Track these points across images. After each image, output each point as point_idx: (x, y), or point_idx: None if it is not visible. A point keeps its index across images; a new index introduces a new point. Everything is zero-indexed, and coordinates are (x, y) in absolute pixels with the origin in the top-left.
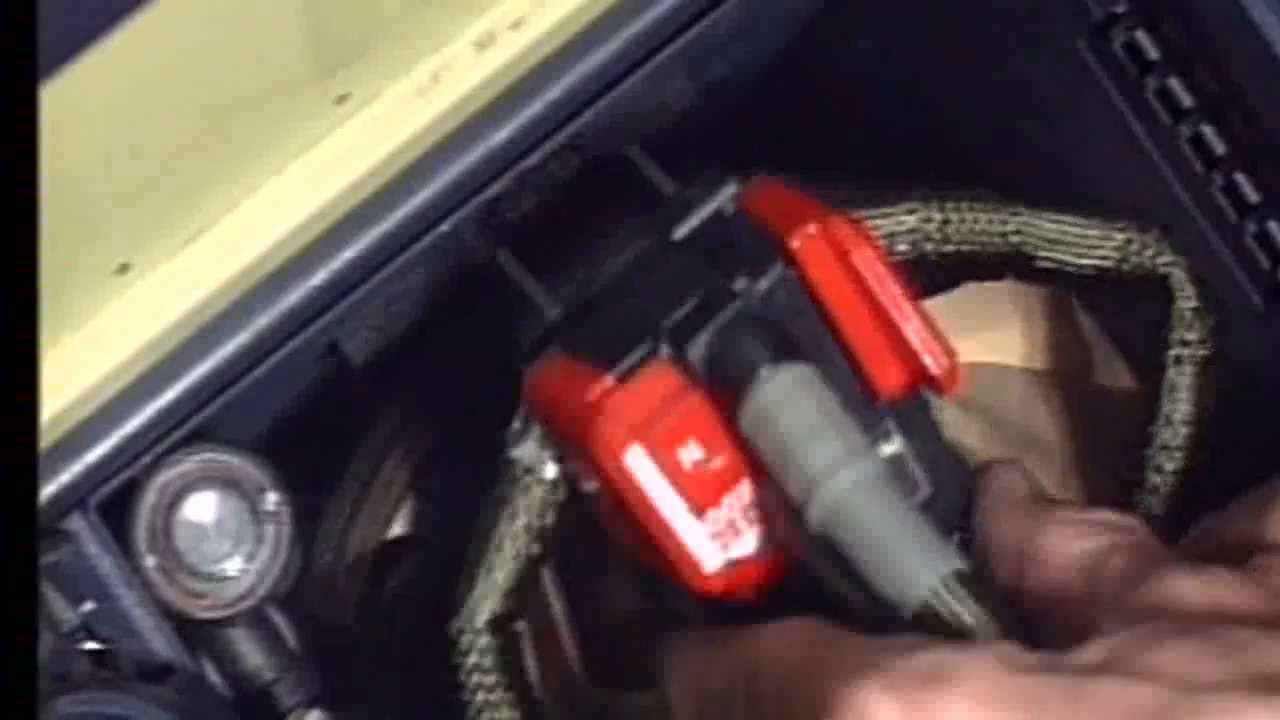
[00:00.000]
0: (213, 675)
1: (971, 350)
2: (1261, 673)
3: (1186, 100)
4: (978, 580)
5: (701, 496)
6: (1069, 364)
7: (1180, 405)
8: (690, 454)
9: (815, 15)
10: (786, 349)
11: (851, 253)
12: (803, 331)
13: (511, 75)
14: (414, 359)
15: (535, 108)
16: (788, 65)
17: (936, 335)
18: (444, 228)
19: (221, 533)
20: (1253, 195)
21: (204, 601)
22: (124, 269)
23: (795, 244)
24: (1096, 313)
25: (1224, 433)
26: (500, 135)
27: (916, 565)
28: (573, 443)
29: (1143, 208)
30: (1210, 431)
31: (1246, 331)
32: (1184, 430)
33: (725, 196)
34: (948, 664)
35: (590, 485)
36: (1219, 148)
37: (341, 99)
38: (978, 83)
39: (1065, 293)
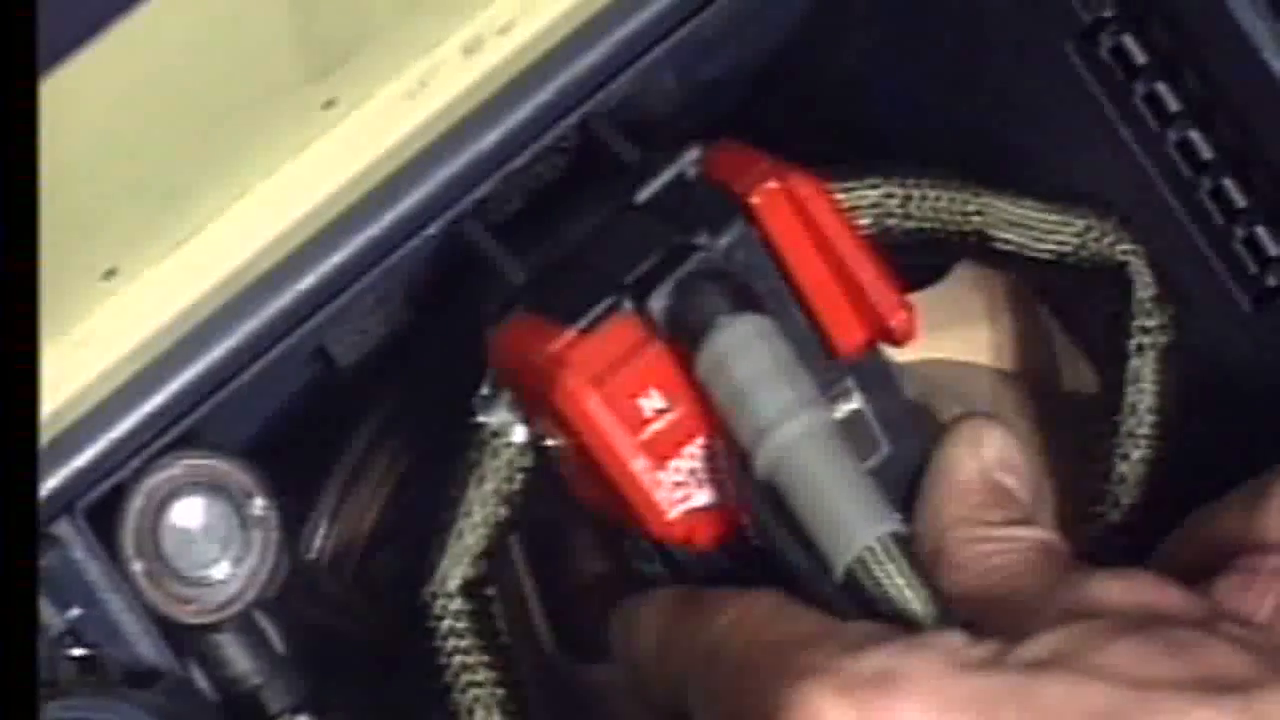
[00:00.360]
0: (200, 680)
1: (940, 348)
2: (1208, 673)
3: (1174, 105)
4: (913, 544)
5: (662, 446)
6: (1037, 363)
7: (1145, 394)
8: (652, 404)
9: (803, 18)
10: (746, 302)
11: (811, 209)
12: (763, 287)
13: (499, 79)
14: (400, 361)
15: (523, 111)
16: (776, 67)
17: (894, 289)
18: (431, 230)
19: (209, 537)
20: (1240, 200)
21: (191, 606)
22: (111, 274)
23: (755, 200)
24: (1060, 312)
25: (1210, 433)
26: (488, 139)
27: (854, 522)
28: (537, 397)
29: (1130, 211)
30: (1177, 420)
31: (1234, 335)
32: (1149, 419)
33: (688, 160)
34: (899, 665)
35: (555, 440)
36: (1206, 153)
37: (329, 103)
38: (965, 86)
39: (1031, 293)
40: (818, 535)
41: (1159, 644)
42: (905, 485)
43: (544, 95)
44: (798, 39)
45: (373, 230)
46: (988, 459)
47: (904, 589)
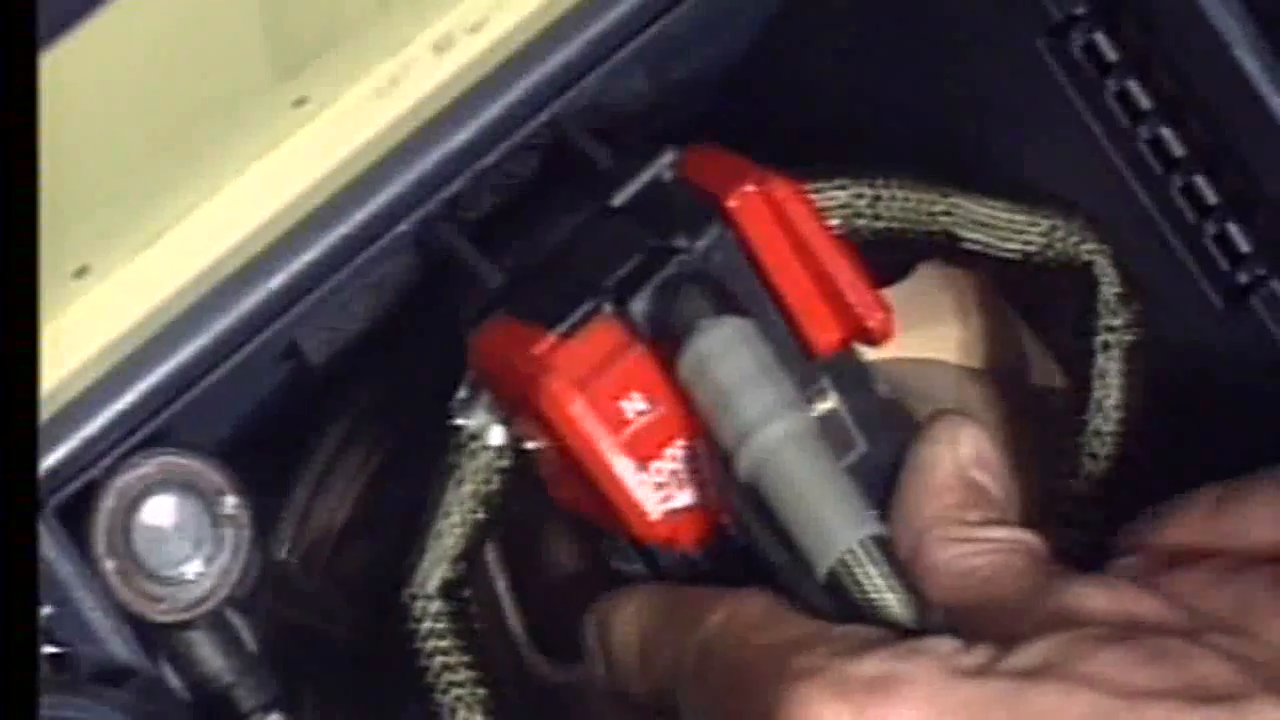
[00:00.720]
0: (172, 679)
1: (909, 346)
2: (1195, 682)
3: (1145, 102)
4: (891, 550)
5: (645, 447)
6: (1005, 361)
7: (1111, 391)
8: (634, 406)
9: (773, 16)
10: (726, 304)
11: (788, 211)
12: (741, 289)
13: (470, 78)
14: (372, 358)
15: (494, 110)
16: (746, 67)
17: (870, 289)
18: (402, 228)
19: (181, 536)
20: (1211, 197)
21: (163, 605)
22: (82, 272)
23: (732, 204)
24: (1028, 311)
25: (1182, 431)
26: (459, 137)
27: (836, 525)
28: (519, 401)
29: (1101, 209)
30: (1148, 418)
31: (1206, 332)
32: (1115, 415)
33: (664, 163)
34: (895, 670)
35: (537, 443)
36: (1178, 150)
37: (300, 102)
38: (937, 84)
39: (999, 293)
40: (800, 536)
41: (1146, 653)
42: (881, 483)
43: (515, 93)
44: (768, 38)
45: (344, 228)
46: (964, 457)
47: (885, 592)
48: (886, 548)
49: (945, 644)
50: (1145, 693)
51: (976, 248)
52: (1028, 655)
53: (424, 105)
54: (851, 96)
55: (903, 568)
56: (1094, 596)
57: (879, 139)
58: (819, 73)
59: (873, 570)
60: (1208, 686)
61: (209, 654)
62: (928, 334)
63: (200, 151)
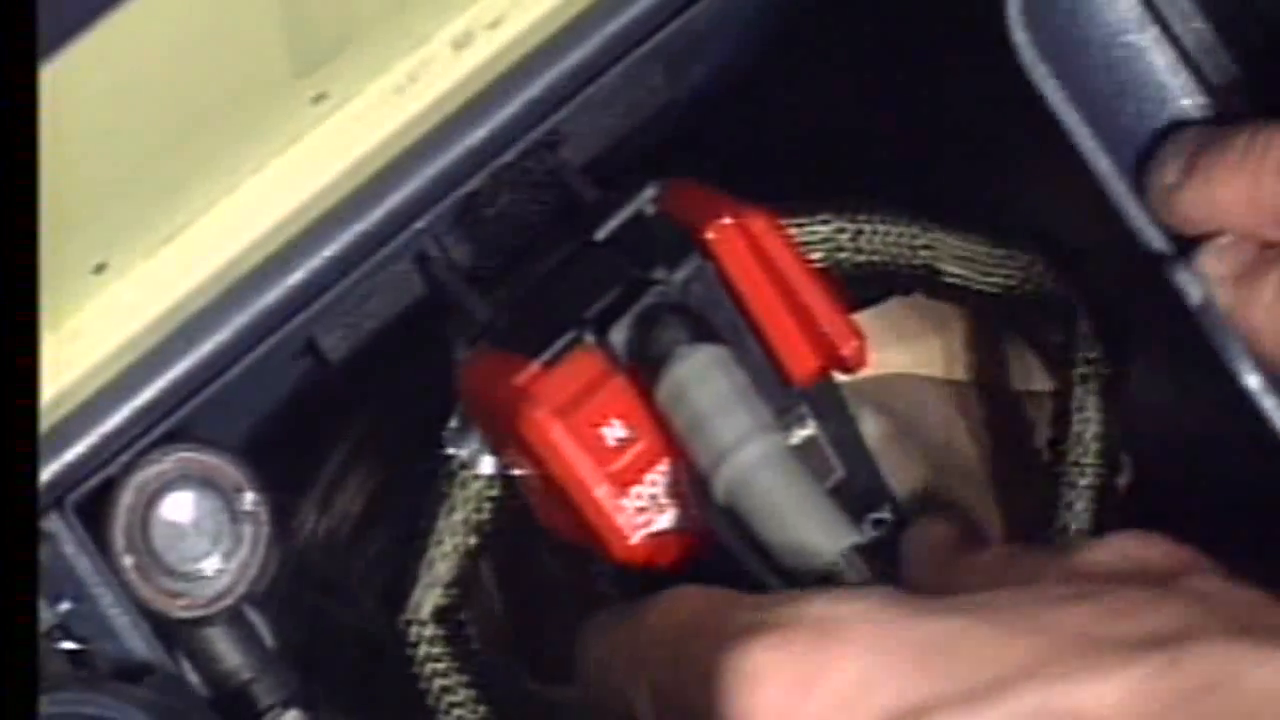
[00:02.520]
0: (191, 675)
1: (894, 362)
2: (1148, 630)
3: None
4: (876, 554)
5: (625, 473)
6: (990, 376)
7: (1090, 423)
8: (614, 433)
9: (762, 46)
10: (703, 334)
11: (764, 244)
12: (719, 319)
13: (489, 74)
14: (390, 355)
15: (513, 106)
16: (764, 67)
17: (845, 319)
18: (420, 225)
19: (199, 532)
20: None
21: (182, 601)
22: (101, 268)
23: (710, 236)
24: (1016, 328)
25: (1165, 462)
26: (478, 134)
27: (816, 538)
28: (504, 428)
29: (1081, 242)
30: (1126, 448)
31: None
32: (1094, 446)
33: (645, 199)
34: (834, 614)
35: (522, 469)
36: None
37: (319, 98)
38: (920, 117)
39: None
40: (781, 554)
41: (1094, 599)
42: (860, 509)
43: (534, 90)
44: (772, 48)
45: (362, 224)
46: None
47: None
48: (870, 556)
49: (888, 589)
50: (1092, 636)
51: (957, 281)
52: (972, 600)
53: (443, 102)
54: (834, 129)
55: (888, 575)
56: (1048, 564)
57: (861, 171)
58: (804, 107)
59: (856, 579)
60: (1156, 632)
61: (227, 650)
62: (912, 349)
63: (219, 148)
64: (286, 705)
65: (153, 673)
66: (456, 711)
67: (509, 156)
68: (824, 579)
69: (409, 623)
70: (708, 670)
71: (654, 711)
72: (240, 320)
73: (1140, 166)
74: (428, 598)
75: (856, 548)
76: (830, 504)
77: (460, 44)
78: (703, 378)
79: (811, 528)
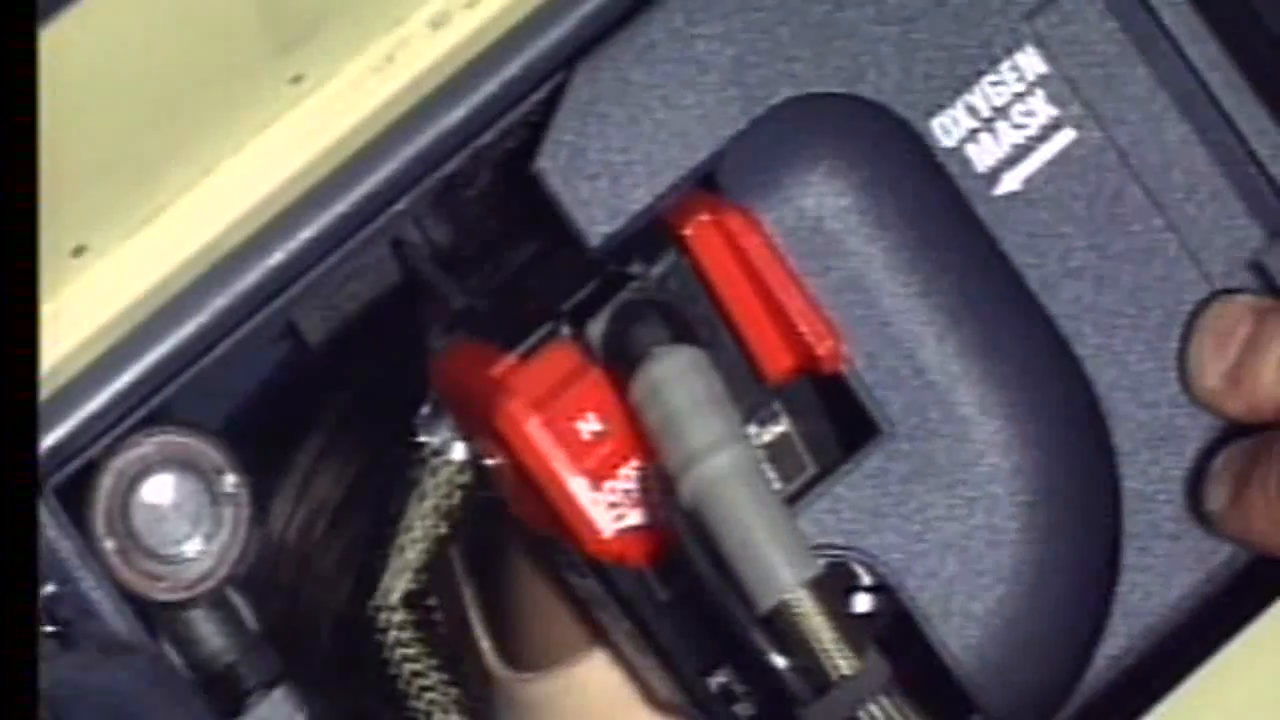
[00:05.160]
0: (174, 657)
1: None
2: None
3: None
4: (832, 590)
5: (599, 467)
6: None
7: None
8: (589, 427)
9: None
10: (679, 331)
11: (742, 241)
12: (695, 315)
13: (467, 53)
14: (370, 339)
15: (491, 86)
16: None
17: (821, 318)
18: (400, 206)
19: (180, 515)
20: None
21: (164, 584)
22: (80, 251)
23: (688, 232)
24: None
25: None
26: (456, 114)
27: (777, 564)
28: (478, 420)
29: None
30: None
31: None
32: None
33: None
34: None
35: (495, 460)
36: None
37: (296, 79)
38: None
39: None
40: (740, 569)
41: None
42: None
43: (512, 69)
44: None
45: (341, 206)
46: None
47: (824, 637)
48: (829, 591)
49: None
50: None
51: None
52: None
53: (421, 82)
54: None
55: (843, 612)
56: None
57: None
58: None
59: (814, 615)
60: None
61: (210, 632)
62: None
63: (196, 129)
64: (271, 685)
65: (136, 655)
66: (428, 695)
67: (488, 137)
68: (783, 606)
69: (379, 608)
70: None
71: None
72: (220, 302)
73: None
74: (397, 584)
75: (817, 580)
76: (794, 529)
77: (438, 23)
78: (677, 379)
79: (775, 552)
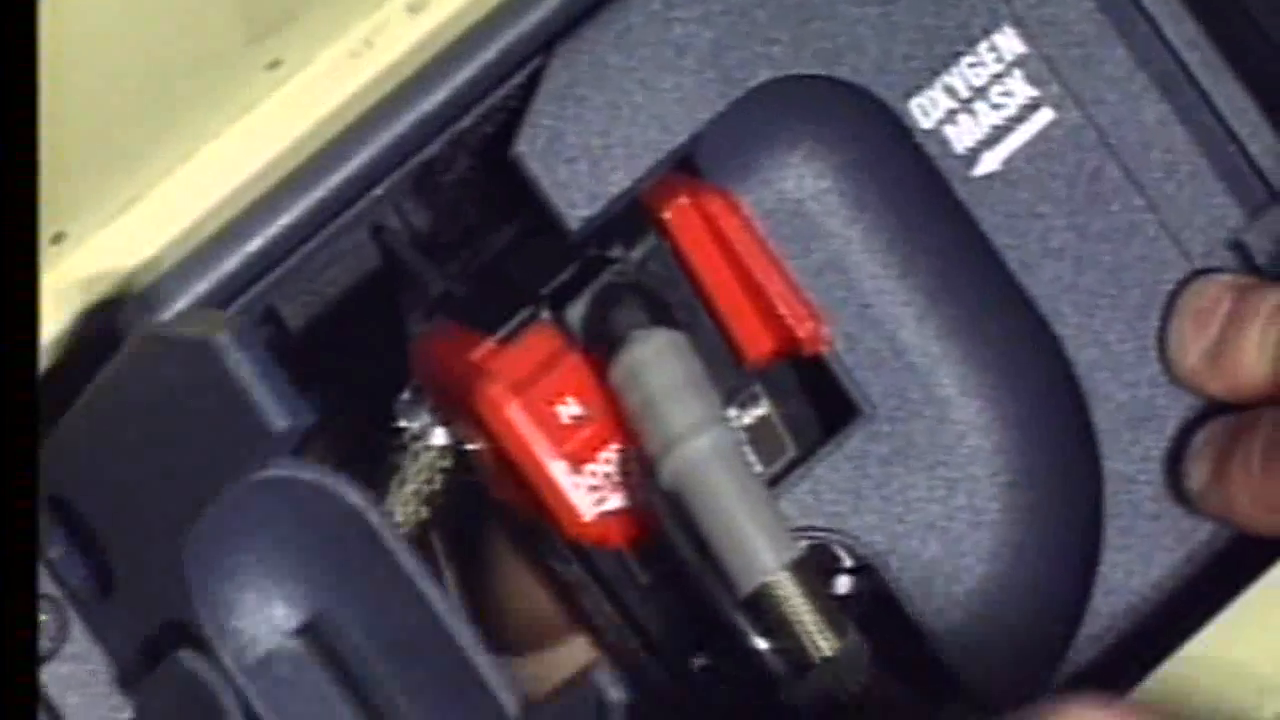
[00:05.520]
0: None
1: None
2: None
3: None
4: (813, 572)
5: (579, 451)
6: None
7: None
8: (569, 410)
9: None
10: (660, 314)
11: (721, 224)
12: (675, 298)
13: (445, 38)
14: (351, 324)
15: (469, 70)
16: None
17: (801, 301)
18: (378, 192)
19: None
20: None
21: None
22: (59, 238)
23: (667, 215)
24: None
25: None
26: (435, 98)
27: (759, 548)
28: (459, 404)
29: None
30: None
31: None
32: None
33: None
34: None
35: (476, 444)
36: None
37: (274, 65)
38: None
39: None
40: (720, 552)
41: None
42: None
43: (490, 53)
44: None
45: (320, 191)
46: None
47: (805, 619)
48: (808, 573)
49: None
50: None
51: None
52: None
53: (399, 67)
54: None
55: (824, 593)
56: None
57: None
58: None
59: (795, 597)
60: None
61: None
62: None
63: (174, 116)
64: None
65: None
66: None
67: (467, 121)
68: (764, 589)
69: None
70: None
71: None
72: (200, 288)
73: None
74: None
75: (797, 563)
76: (774, 511)
77: (415, 8)
78: (657, 362)
79: (755, 536)
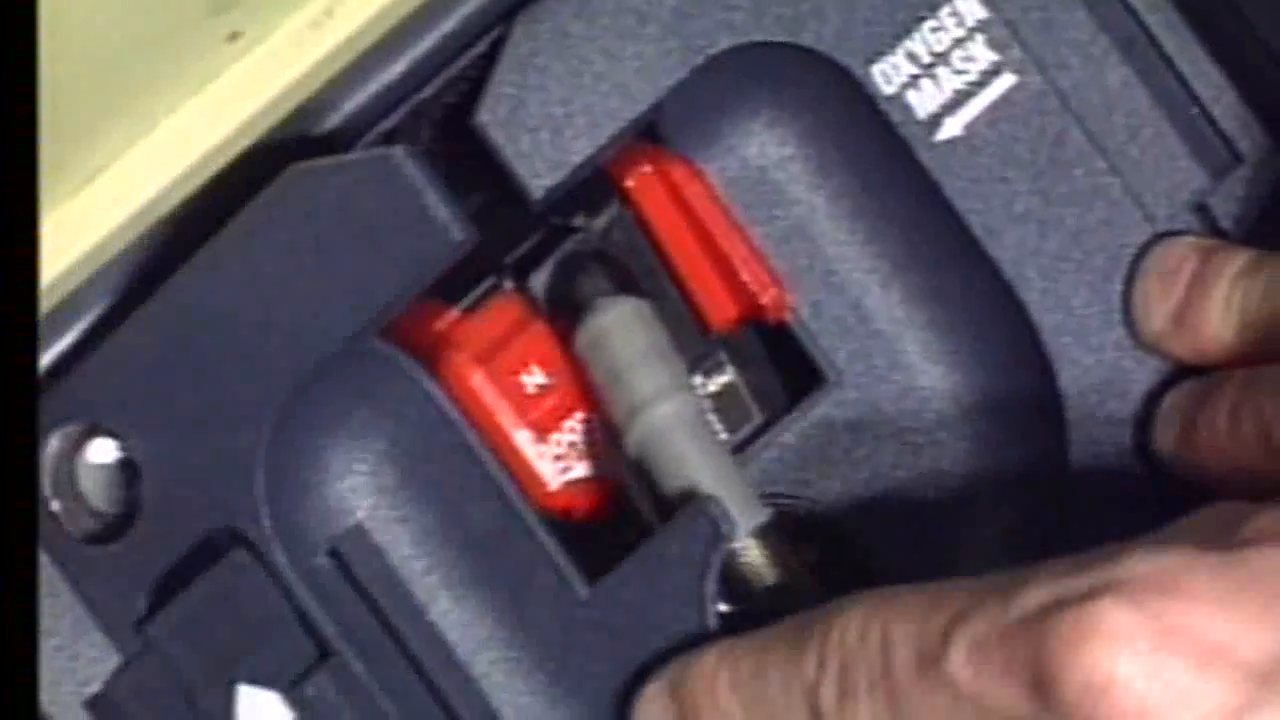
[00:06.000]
0: None
1: None
2: None
3: None
4: (780, 537)
5: (544, 420)
6: None
7: None
8: (534, 380)
9: None
10: (623, 282)
11: (684, 192)
12: (639, 266)
13: (405, 7)
14: None
15: (430, 40)
16: None
17: (765, 268)
18: None
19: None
20: None
21: None
22: None
23: (630, 184)
24: None
25: None
26: (395, 69)
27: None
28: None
29: None
30: None
31: None
32: None
33: None
34: (1166, 569)
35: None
36: None
37: (234, 36)
38: None
39: None
40: None
41: None
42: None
43: (451, 23)
44: None
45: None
46: None
47: (776, 578)
48: (777, 535)
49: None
50: None
51: None
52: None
53: (359, 37)
54: None
55: (792, 555)
56: None
57: None
58: None
59: (761, 562)
60: None
61: None
62: None
63: (134, 89)
64: None
65: None
66: None
67: (428, 92)
68: (731, 555)
69: None
70: (1039, 654)
71: None
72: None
73: None
74: None
75: (764, 527)
76: (740, 476)
77: None
78: (622, 330)
79: (722, 500)
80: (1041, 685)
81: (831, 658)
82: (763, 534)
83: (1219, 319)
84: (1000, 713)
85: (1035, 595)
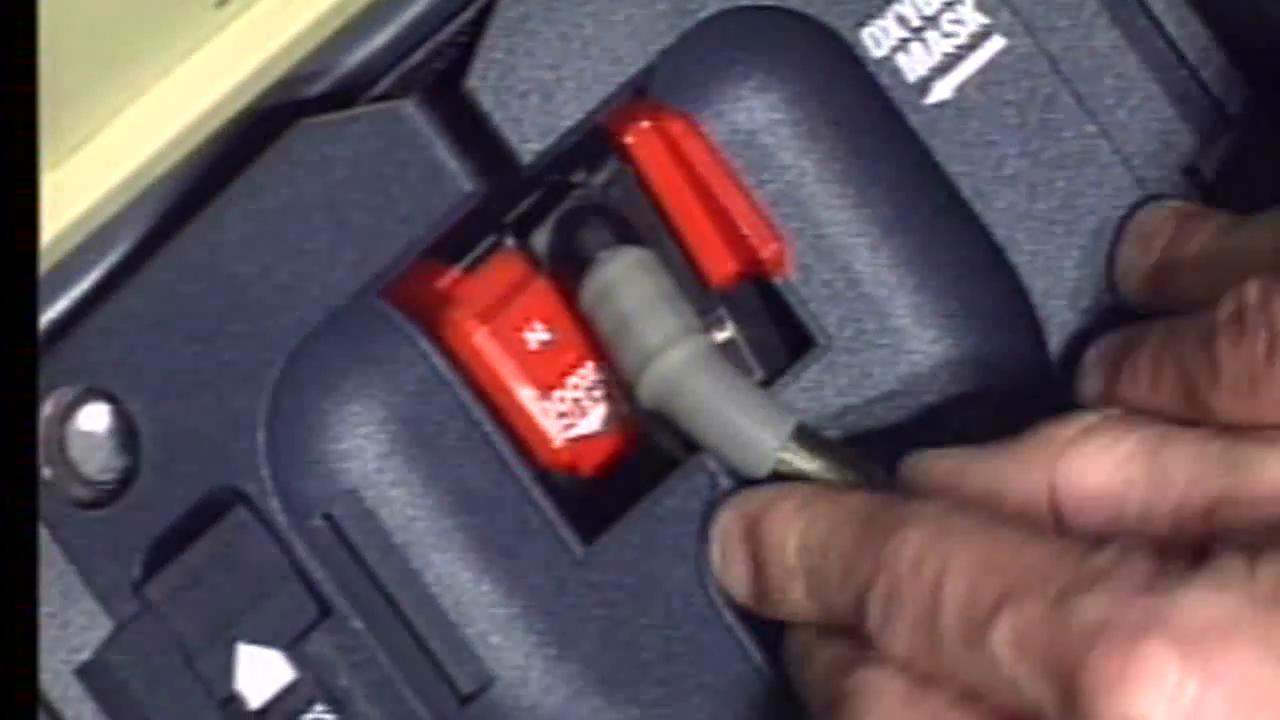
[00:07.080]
0: None
1: None
2: None
3: None
4: (816, 433)
5: (548, 376)
6: None
7: None
8: (537, 336)
9: None
10: (625, 236)
11: (683, 146)
12: (639, 222)
13: None
14: None
15: (419, 5)
16: None
17: (765, 222)
18: None
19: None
20: None
21: None
22: None
23: (629, 139)
24: None
25: None
26: (385, 34)
27: (757, 432)
28: (428, 334)
29: None
30: None
31: None
32: None
33: None
34: (1215, 614)
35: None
36: None
37: (222, 2)
38: None
39: None
40: (722, 450)
41: None
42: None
43: None
44: None
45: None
46: None
47: (831, 473)
48: (810, 434)
49: (1229, 568)
50: None
51: None
52: None
53: (349, 2)
54: None
55: (834, 445)
56: None
57: None
58: None
59: (808, 460)
60: None
61: None
62: None
63: (123, 56)
64: None
65: None
66: None
67: (417, 57)
68: (780, 465)
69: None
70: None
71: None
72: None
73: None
74: None
75: (797, 430)
76: (762, 394)
77: None
78: (628, 280)
79: (750, 422)
80: (1076, 704)
81: (884, 571)
82: (799, 435)
83: (1190, 281)
84: (1031, 703)
85: (1092, 606)
